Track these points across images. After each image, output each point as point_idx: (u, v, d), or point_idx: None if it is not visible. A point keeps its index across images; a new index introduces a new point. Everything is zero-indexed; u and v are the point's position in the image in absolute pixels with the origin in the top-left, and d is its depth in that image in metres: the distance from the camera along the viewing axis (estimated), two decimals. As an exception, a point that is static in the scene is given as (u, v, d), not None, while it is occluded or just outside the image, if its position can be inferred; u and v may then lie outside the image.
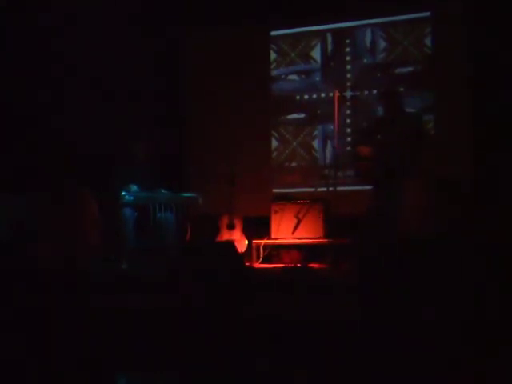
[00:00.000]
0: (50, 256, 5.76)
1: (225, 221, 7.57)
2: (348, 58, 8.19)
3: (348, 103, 8.09)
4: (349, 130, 8.10)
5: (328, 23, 8.25)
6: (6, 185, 6.51)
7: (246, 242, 7.43)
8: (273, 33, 8.52)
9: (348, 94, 8.10)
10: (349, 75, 8.18)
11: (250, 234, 7.54)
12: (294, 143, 8.40)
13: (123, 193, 6.46)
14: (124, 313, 4.66)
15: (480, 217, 6.23)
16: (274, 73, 8.55)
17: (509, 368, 3.35)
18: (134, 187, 6.59)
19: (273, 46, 8.54)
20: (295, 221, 7.26)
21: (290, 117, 8.43)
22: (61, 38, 7.47)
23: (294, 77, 8.50)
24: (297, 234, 7.27)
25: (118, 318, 4.59)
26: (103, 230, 6.55)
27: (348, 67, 8.19)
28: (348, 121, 8.10)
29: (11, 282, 5.04)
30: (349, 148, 8.07)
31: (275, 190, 8.30)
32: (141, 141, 6.97)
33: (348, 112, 8.09)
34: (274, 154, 8.46)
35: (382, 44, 8.03)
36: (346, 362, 3.69)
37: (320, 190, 7.39)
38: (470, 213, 6.25)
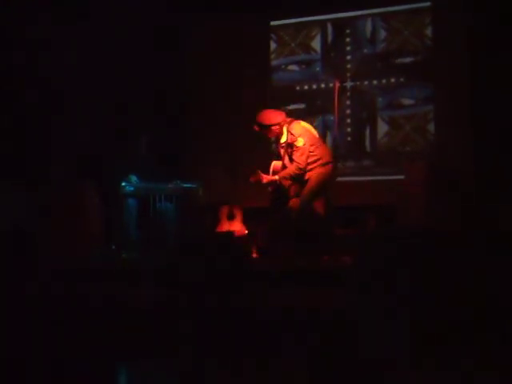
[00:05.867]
0: (50, 248, 5.78)
1: (225, 211, 7.56)
2: (348, 48, 8.17)
3: (348, 93, 8.07)
4: (349, 121, 8.09)
5: (328, 13, 8.22)
6: (6, 176, 6.55)
7: (246, 232, 7.43)
8: (273, 23, 8.49)
9: (348, 84, 8.08)
10: (349, 65, 8.16)
11: (249, 224, 7.53)
12: (294, 133, 8.38)
13: (123, 183, 6.48)
14: (123, 303, 4.68)
15: (480, 211, 6.26)
16: (273, 63, 8.53)
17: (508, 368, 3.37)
18: (133, 177, 6.61)
19: (273, 36, 8.52)
20: (295, 211, 7.25)
21: (289, 107, 8.40)
22: (61, 36, 7.48)
23: (294, 67, 8.49)
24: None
25: (117, 308, 4.62)
26: (105, 219, 6.59)
27: (348, 57, 8.17)
28: (348, 111, 8.09)
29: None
30: (349, 138, 8.09)
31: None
32: (145, 137, 6.99)
33: (348, 102, 8.07)
34: (274, 144, 8.45)
35: (383, 34, 8.00)
36: (345, 353, 3.71)
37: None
38: (470, 206, 6.27)
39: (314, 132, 6.11)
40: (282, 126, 5.97)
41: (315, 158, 5.87)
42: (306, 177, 5.92)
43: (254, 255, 6.99)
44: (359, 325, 3.96)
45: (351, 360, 3.60)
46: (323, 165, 5.89)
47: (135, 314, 4.51)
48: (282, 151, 6.07)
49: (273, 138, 6.51)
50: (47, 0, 7.36)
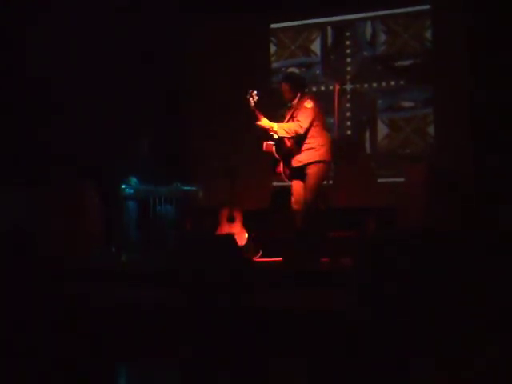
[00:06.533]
0: (50, 248, 5.78)
1: (225, 214, 7.54)
2: (348, 51, 8.17)
3: (348, 96, 8.08)
4: (349, 123, 8.09)
5: (328, 16, 8.22)
6: (6, 176, 6.56)
7: (246, 235, 7.41)
8: (273, 25, 8.50)
9: (348, 86, 8.09)
10: (349, 68, 8.16)
11: (250, 227, 7.52)
12: (294, 136, 8.37)
13: (123, 186, 6.49)
14: (123, 303, 4.68)
15: (480, 211, 6.25)
16: (274, 65, 8.53)
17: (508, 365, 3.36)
18: (133, 180, 6.61)
19: (273, 39, 8.52)
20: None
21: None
22: (62, 37, 7.50)
23: (294, 70, 8.48)
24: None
25: (117, 310, 4.61)
26: (105, 220, 6.59)
27: (348, 60, 8.17)
28: (348, 114, 8.09)
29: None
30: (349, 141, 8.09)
31: (275, 183, 8.28)
32: (145, 139, 7.01)
33: (348, 105, 8.07)
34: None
35: (382, 37, 8.00)
36: (344, 354, 3.70)
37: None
38: (470, 207, 6.27)
39: (323, 114, 6.20)
40: (297, 92, 6.09)
41: (314, 132, 5.96)
42: (297, 163, 5.98)
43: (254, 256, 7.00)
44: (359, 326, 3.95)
45: (351, 360, 3.60)
46: (319, 146, 5.96)
47: (135, 314, 4.51)
48: (288, 114, 6.13)
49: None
50: (47, 0, 7.37)
